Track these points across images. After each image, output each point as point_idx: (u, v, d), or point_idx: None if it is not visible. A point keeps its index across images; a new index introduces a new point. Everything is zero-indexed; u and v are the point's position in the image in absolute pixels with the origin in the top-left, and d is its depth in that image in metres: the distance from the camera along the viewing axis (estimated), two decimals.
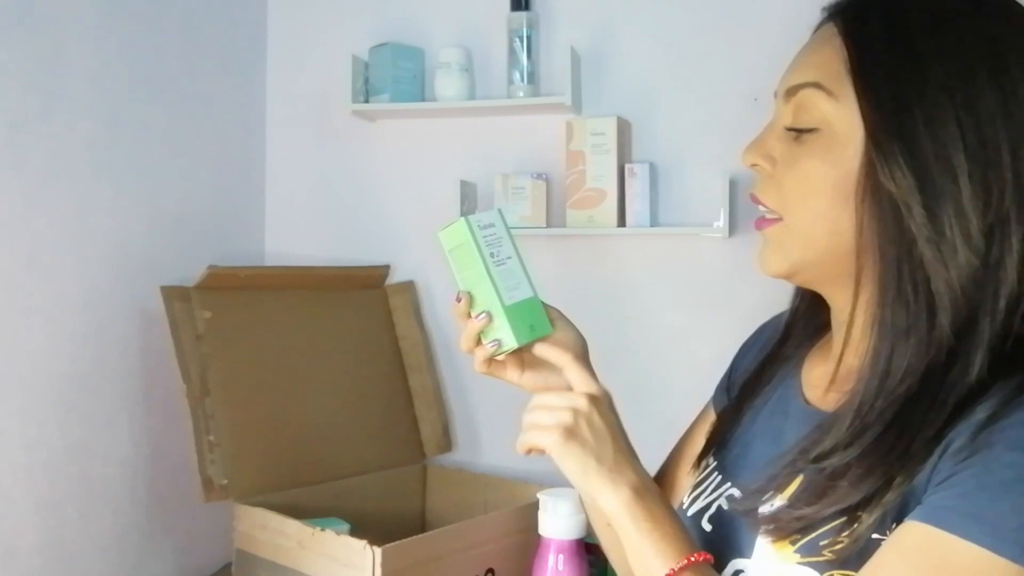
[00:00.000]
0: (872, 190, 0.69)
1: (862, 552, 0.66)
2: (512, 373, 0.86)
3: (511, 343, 0.82)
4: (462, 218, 0.84)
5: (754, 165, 0.77)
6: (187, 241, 1.66)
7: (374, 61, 1.77)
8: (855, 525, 0.67)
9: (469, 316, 0.84)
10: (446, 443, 1.81)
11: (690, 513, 0.85)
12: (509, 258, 0.84)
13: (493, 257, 0.83)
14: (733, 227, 1.58)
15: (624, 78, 1.71)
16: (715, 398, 0.98)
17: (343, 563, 1.27)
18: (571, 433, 0.77)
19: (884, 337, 0.69)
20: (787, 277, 0.79)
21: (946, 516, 0.62)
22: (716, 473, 0.86)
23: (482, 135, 1.79)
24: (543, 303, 0.86)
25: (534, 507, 0.91)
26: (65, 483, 1.40)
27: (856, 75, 0.71)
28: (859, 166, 0.70)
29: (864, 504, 0.67)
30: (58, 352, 1.39)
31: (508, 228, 0.86)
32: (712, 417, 0.94)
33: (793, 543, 0.71)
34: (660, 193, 1.67)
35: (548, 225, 1.70)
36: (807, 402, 0.81)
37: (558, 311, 0.88)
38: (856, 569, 0.67)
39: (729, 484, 0.83)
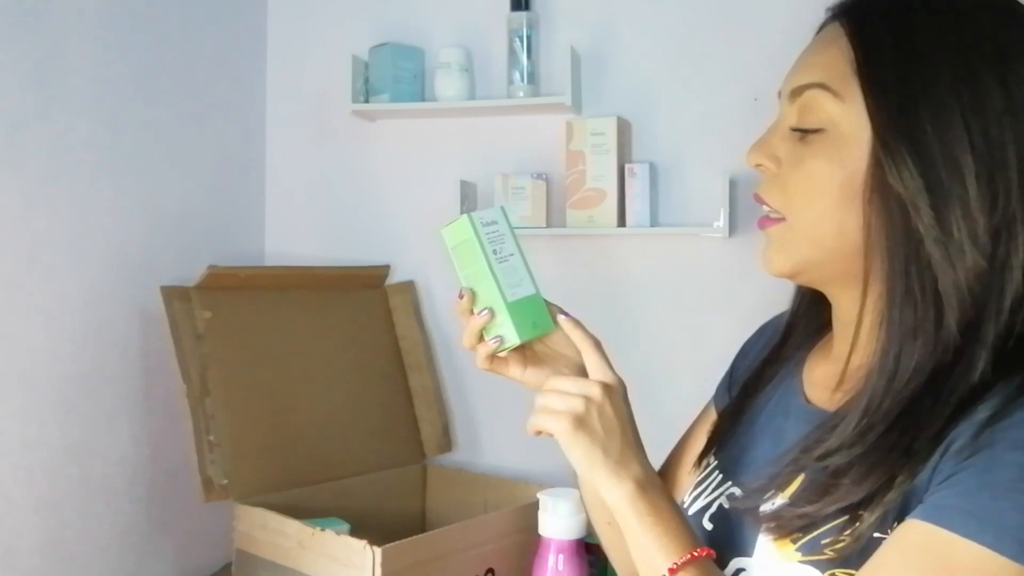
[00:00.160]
0: (879, 191, 0.69)
1: (863, 550, 0.67)
2: (514, 369, 0.86)
3: (513, 339, 0.82)
4: (465, 215, 0.84)
5: (758, 165, 0.77)
6: (187, 241, 1.66)
7: (374, 61, 1.77)
8: (857, 524, 0.67)
9: (471, 313, 0.84)
10: (446, 443, 1.81)
11: (691, 512, 0.85)
12: (512, 255, 0.85)
13: (496, 254, 0.84)
14: (733, 227, 1.58)
15: (624, 78, 1.71)
16: (716, 398, 0.98)
17: (343, 563, 1.27)
18: (581, 422, 0.77)
19: (892, 337, 0.69)
20: (791, 277, 0.79)
21: (947, 515, 0.62)
22: (717, 472, 0.86)
23: (482, 135, 1.79)
24: (546, 300, 0.86)
25: (534, 507, 0.91)
26: (65, 483, 1.40)
27: (863, 76, 0.71)
28: (866, 167, 0.70)
29: (866, 503, 0.67)
30: (58, 352, 1.39)
31: (511, 225, 0.86)
32: (713, 417, 0.94)
33: (795, 541, 0.71)
34: (660, 193, 1.67)
35: (548, 225, 1.70)
36: (808, 402, 0.81)
37: (560, 308, 0.88)
38: (857, 567, 0.67)
39: (730, 483, 0.83)
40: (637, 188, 1.63)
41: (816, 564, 0.70)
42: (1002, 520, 0.61)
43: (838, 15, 0.75)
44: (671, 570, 0.73)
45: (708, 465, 0.89)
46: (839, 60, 0.72)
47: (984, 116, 0.67)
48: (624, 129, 1.67)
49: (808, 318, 0.87)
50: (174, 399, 1.49)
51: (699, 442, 0.93)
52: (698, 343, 1.65)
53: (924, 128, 0.68)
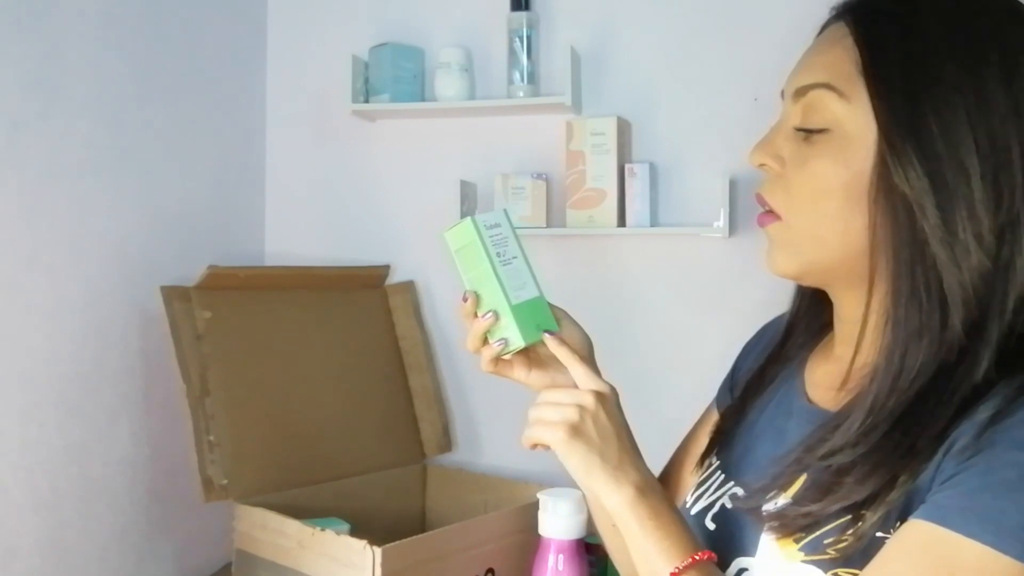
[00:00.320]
0: (885, 191, 0.69)
1: (866, 550, 0.67)
2: (519, 372, 0.86)
3: (518, 342, 0.82)
4: (468, 218, 0.85)
5: (762, 165, 0.77)
6: (187, 241, 1.66)
7: (374, 61, 1.77)
8: (859, 523, 0.67)
9: (476, 316, 0.84)
10: (446, 443, 1.81)
11: (693, 512, 0.85)
12: (515, 258, 0.85)
13: (499, 257, 0.84)
14: (733, 227, 1.58)
15: (624, 78, 1.71)
16: (718, 398, 0.98)
17: (343, 563, 1.27)
18: (576, 431, 0.77)
19: (898, 337, 0.70)
20: (796, 277, 0.79)
21: (950, 514, 0.63)
22: (719, 472, 0.86)
23: (482, 135, 1.79)
24: (549, 303, 0.86)
25: (534, 507, 0.91)
26: (65, 483, 1.40)
27: (869, 76, 0.70)
28: (871, 167, 0.70)
29: (869, 502, 0.67)
30: (58, 352, 1.39)
31: (514, 228, 0.87)
32: (715, 417, 0.94)
33: (797, 541, 0.72)
34: (660, 193, 1.67)
35: (548, 225, 1.70)
36: (810, 402, 0.81)
37: (563, 311, 0.88)
38: (860, 567, 0.67)
39: (732, 483, 0.83)
40: (637, 188, 1.63)
41: (819, 564, 0.70)
42: (1004, 519, 0.61)
43: (842, 14, 0.75)
44: (673, 574, 0.73)
45: (710, 465, 0.89)
46: (844, 60, 0.72)
47: (989, 117, 0.67)
48: (624, 129, 1.67)
49: (809, 318, 0.87)
50: (174, 399, 1.49)
51: (701, 443, 0.93)
52: (698, 343, 1.65)
53: (930, 128, 0.68)
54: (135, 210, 1.55)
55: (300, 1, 1.90)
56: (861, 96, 0.71)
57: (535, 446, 0.80)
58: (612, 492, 0.77)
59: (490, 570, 1.40)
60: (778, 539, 0.73)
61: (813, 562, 0.70)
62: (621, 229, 1.64)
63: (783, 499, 0.74)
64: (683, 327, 1.68)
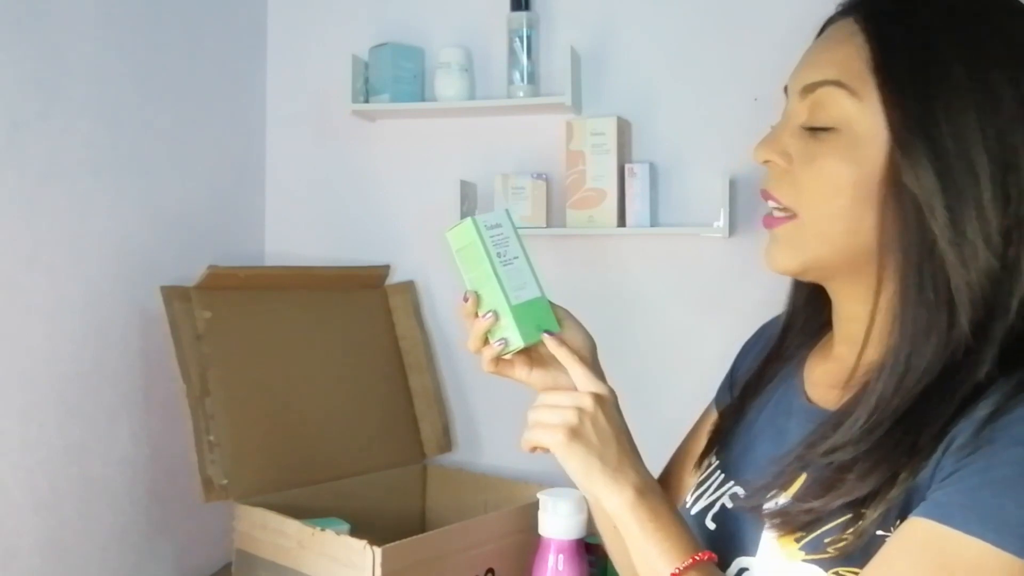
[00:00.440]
0: (895, 190, 0.70)
1: (866, 548, 0.67)
2: (520, 371, 0.86)
3: (517, 342, 0.82)
4: (469, 218, 0.85)
5: (767, 161, 0.77)
6: (187, 241, 1.66)
7: (374, 61, 1.77)
8: (860, 521, 0.68)
9: (476, 316, 0.84)
10: (446, 443, 1.81)
11: (693, 512, 0.85)
12: (516, 258, 0.85)
13: (500, 257, 0.84)
14: (733, 227, 1.58)
15: (624, 78, 1.71)
16: (718, 398, 0.98)
17: (343, 563, 1.27)
18: (575, 433, 0.77)
19: (905, 336, 0.70)
20: (797, 274, 0.79)
21: (950, 512, 0.63)
22: (718, 472, 0.87)
23: (482, 135, 1.79)
24: (551, 303, 0.86)
25: (534, 507, 0.91)
26: (65, 483, 1.40)
27: (881, 75, 0.70)
28: (881, 166, 0.70)
29: (870, 499, 0.67)
30: (58, 352, 1.39)
31: (516, 228, 0.87)
32: (715, 417, 0.95)
33: (798, 540, 0.72)
34: (660, 193, 1.67)
35: (548, 225, 1.70)
36: (809, 401, 0.81)
37: (566, 311, 0.88)
38: (861, 566, 0.67)
39: (732, 483, 0.83)
40: (637, 188, 1.63)
41: (819, 563, 0.70)
42: (1004, 516, 0.61)
43: (849, 11, 0.75)
44: (673, 575, 0.73)
45: (709, 465, 0.89)
46: (854, 58, 0.72)
47: (997, 117, 0.68)
48: (624, 129, 1.67)
49: (807, 318, 0.87)
50: (174, 399, 1.49)
51: (701, 443, 0.93)
52: (698, 343, 1.65)
53: (940, 128, 0.68)
54: (135, 210, 1.54)
55: (300, 1, 1.90)
56: (872, 94, 0.71)
57: (534, 449, 0.81)
58: (611, 494, 0.77)
59: (490, 570, 1.40)
60: (780, 537, 0.73)
61: (814, 561, 0.70)
62: (621, 229, 1.64)
63: (784, 498, 0.74)
64: (683, 327, 1.68)
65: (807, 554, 0.71)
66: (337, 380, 1.68)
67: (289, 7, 1.90)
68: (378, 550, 1.23)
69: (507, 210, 0.88)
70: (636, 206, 1.63)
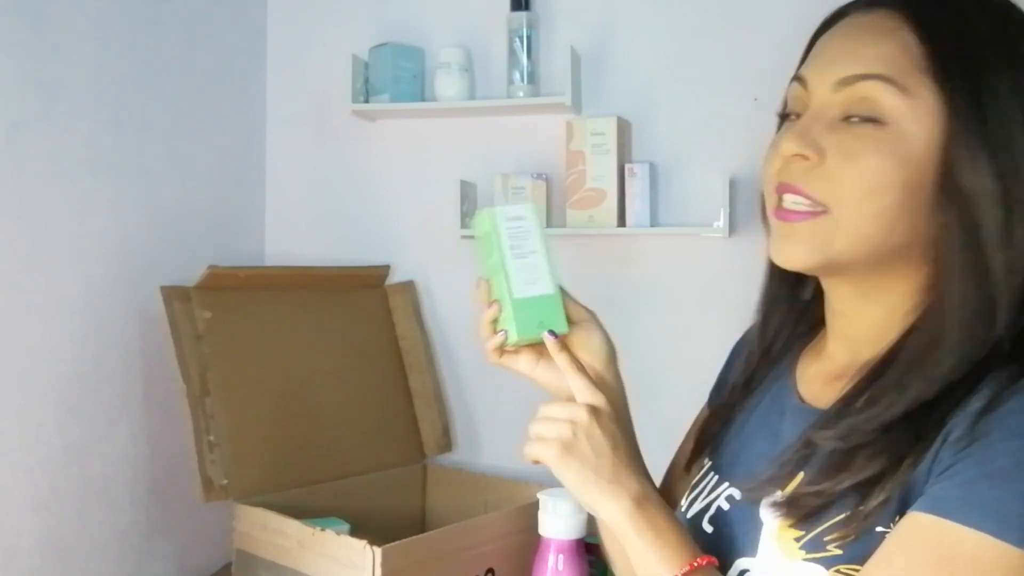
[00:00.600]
0: (946, 191, 0.69)
1: (867, 545, 0.67)
2: (525, 365, 0.85)
3: (513, 336, 0.82)
4: (490, 208, 0.85)
5: (799, 155, 0.73)
6: (187, 241, 1.66)
7: (374, 61, 1.77)
8: (862, 506, 0.67)
9: (487, 304, 0.84)
10: (446, 443, 1.81)
11: (689, 515, 0.85)
12: (533, 252, 0.84)
13: (514, 249, 0.84)
14: (733, 227, 1.58)
15: (624, 78, 1.71)
16: (711, 401, 0.98)
17: (343, 563, 1.27)
18: (569, 448, 0.77)
19: (944, 336, 0.69)
20: (812, 270, 0.76)
21: (948, 505, 0.63)
22: (712, 474, 0.86)
23: (482, 135, 1.79)
24: (573, 302, 0.86)
25: (534, 507, 0.91)
26: (65, 483, 1.40)
27: (940, 74, 0.69)
28: (932, 166, 0.69)
29: (875, 481, 0.67)
30: (58, 352, 1.39)
31: (540, 225, 0.86)
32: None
33: (798, 540, 0.72)
34: (660, 193, 1.67)
35: (548, 225, 1.70)
36: (803, 401, 0.81)
37: (591, 314, 0.87)
38: (862, 563, 0.67)
39: (727, 484, 0.83)
40: (637, 188, 1.63)
41: (821, 561, 0.70)
42: (1002, 507, 0.61)
43: (889, 5, 0.73)
44: None
45: (702, 468, 0.89)
46: (901, 54, 0.70)
47: None
48: (624, 129, 1.67)
49: (796, 315, 0.87)
50: (174, 399, 1.49)
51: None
52: (698, 343, 1.65)
53: (994, 131, 0.68)
54: (135, 210, 1.55)
55: (300, 1, 1.90)
56: (922, 92, 0.69)
57: (537, 462, 0.80)
58: (607, 507, 0.77)
59: (490, 570, 1.40)
60: (780, 532, 0.73)
61: (815, 560, 0.70)
62: (621, 229, 1.64)
63: (771, 499, 0.74)
64: (683, 327, 1.68)
65: (808, 553, 0.71)
66: (337, 380, 1.68)
67: (289, 7, 1.90)
68: (378, 550, 1.23)
69: (534, 206, 0.88)
70: (636, 206, 1.63)
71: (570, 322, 0.85)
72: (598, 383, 0.82)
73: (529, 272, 0.84)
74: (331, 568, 1.29)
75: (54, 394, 1.38)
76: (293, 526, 1.35)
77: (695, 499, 0.86)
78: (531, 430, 0.81)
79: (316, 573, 1.32)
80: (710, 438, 0.90)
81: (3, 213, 1.30)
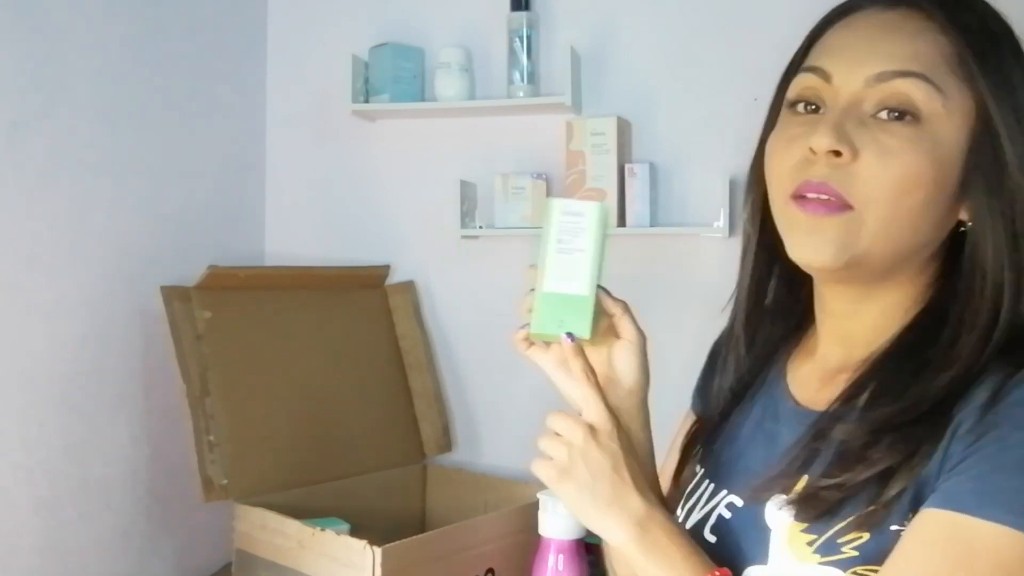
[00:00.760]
0: (974, 190, 0.70)
1: (882, 544, 0.66)
2: (548, 362, 0.82)
3: (531, 328, 0.80)
4: (551, 199, 0.83)
5: (834, 152, 0.70)
6: (187, 241, 1.66)
7: (374, 61, 1.77)
8: (880, 497, 0.67)
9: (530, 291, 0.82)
10: (446, 443, 1.81)
11: (689, 526, 0.83)
12: (580, 251, 0.82)
13: (560, 243, 0.82)
14: (733, 227, 1.58)
15: (624, 78, 1.71)
16: (694, 407, 0.97)
17: (343, 563, 1.27)
18: (565, 472, 0.75)
19: (963, 334, 0.70)
20: (838, 269, 0.73)
21: (964, 499, 0.63)
22: (707, 482, 0.84)
23: (482, 135, 1.79)
24: (627, 318, 0.83)
25: (534, 507, 0.91)
26: (65, 483, 1.40)
27: (969, 75, 0.70)
28: (962, 165, 0.70)
29: (891, 473, 0.67)
30: (58, 352, 1.39)
31: (601, 227, 0.83)
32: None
33: (810, 544, 0.70)
34: (660, 193, 1.67)
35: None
36: (797, 403, 0.80)
37: (639, 336, 0.84)
38: (879, 563, 0.66)
39: (725, 492, 0.81)
40: (637, 188, 1.63)
41: (837, 564, 0.69)
42: (1019, 498, 0.61)
43: (911, 4, 0.73)
44: None
45: (694, 475, 0.87)
46: (933, 53, 0.70)
47: None
48: (624, 129, 1.67)
49: (778, 319, 0.86)
50: (174, 399, 1.49)
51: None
52: (697, 344, 1.64)
53: (1022, 125, 0.70)
54: (135, 210, 1.55)
55: (300, 1, 1.90)
56: (955, 92, 0.70)
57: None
58: (608, 531, 0.75)
59: (490, 570, 1.40)
60: (802, 530, 0.71)
61: (831, 563, 0.69)
62: (621, 229, 1.64)
63: (782, 500, 0.73)
64: (683, 327, 1.68)
65: (823, 556, 0.69)
66: (337, 380, 1.68)
67: (289, 7, 1.90)
68: (378, 550, 1.23)
69: (602, 206, 0.84)
70: (636, 206, 1.63)
71: (611, 336, 0.82)
72: (613, 402, 0.79)
73: (568, 269, 0.81)
74: (331, 568, 1.29)
75: (54, 394, 1.38)
76: (293, 526, 1.35)
77: (692, 509, 0.84)
78: (538, 444, 0.79)
79: (316, 573, 1.32)
80: (700, 445, 0.89)
81: (3, 213, 1.30)
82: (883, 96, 0.70)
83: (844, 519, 0.69)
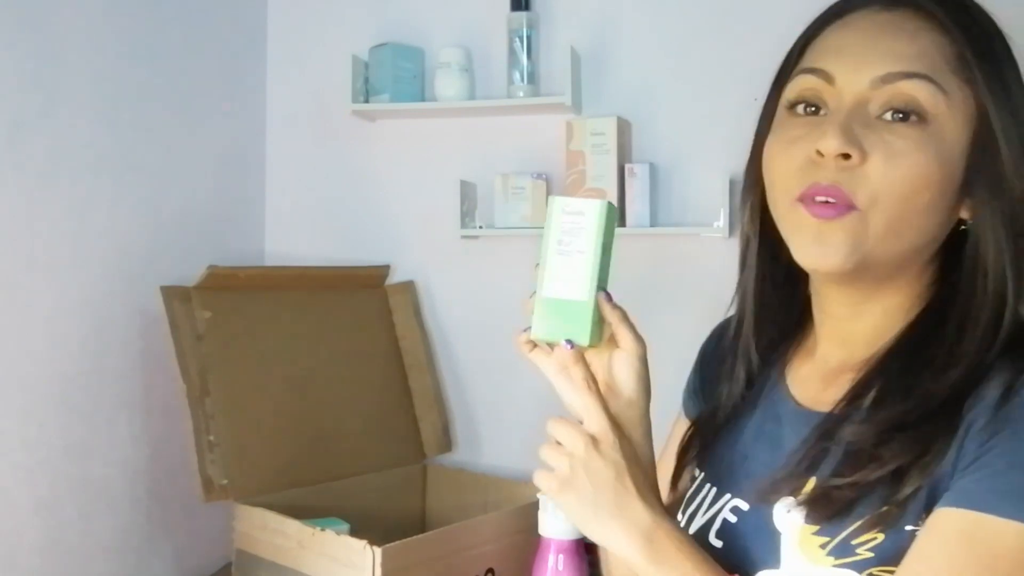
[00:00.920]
0: (975, 190, 0.71)
1: (897, 545, 0.66)
2: (551, 366, 0.79)
3: (532, 332, 0.78)
4: (553, 196, 0.80)
5: (844, 155, 0.69)
6: (187, 241, 1.66)
7: (374, 61, 1.77)
8: (896, 495, 0.66)
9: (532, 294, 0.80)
10: (446, 443, 1.81)
11: (692, 531, 0.82)
12: (580, 253, 0.77)
13: (560, 244, 0.77)
14: (733, 227, 1.58)
15: (624, 78, 1.71)
16: (687, 410, 0.96)
17: (343, 563, 1.27)
18: (566, 483, 0.74)
19: (968, 335, 0.70)
20: (847, 272, 0.72)
21: (981, 498, 0.63)
22: (709, 486, 0.83)
23: (482, 135, 1.79)
24: (627, 327, 0.79)
25: (534, 507, 0.91)
26: (65, 483, 1.40)
27: (970, 76, 0.70)
28: (964, 165, 0.70)
29: (904, 471, 0.67)
30: (58, 352, 1.39)
31: (604, 226, 0.77)
32: (687, 426, 0.92)
33: (823, 547, 0.70)
34: (660, 193, 1.67)
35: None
36: (799, 405, 0.80)
37: (640, 346, 0.81)
38: (895, 564, 0.66)
39: (729, 496, 0.80)
40: (637, 188, 1.63)
41: (852, 566, 0.68)
42: None
43: (910, 5, 0.73)
44: None
45: (694, 480, 0.86)
46: (935, 54, 0.71)
47: None
48: (624, 129, 1.67)
49: (782, 316, 0.85)
50: (174, 399, 1.49)
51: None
52: (698, 344, 1.65)
53: (1021, 124, 0.71)
54: (135, 210, 1.54)
55: (300, 1, 1.90)
56: (956, 91, 0.70)
57: None
58: (615, 542, 0.73)
59: (490, 570, 1.40)
60: (813, 532, 0.71)
61: (845, 565, 0.68)
62: (621, 229, 1.64)
63: (791, 502, 0.72)
64: (682, 327, 1.67)
65: (837, 558, 0.69)
66: (337, 380, 1.68)
67: (289, 7, 1.90)
68: (378, 550, 1.23)
69: (608, 203, 0.78)
70: (636, 206, 1.63)
71: (613, 343, 0.80)
72: (615, 410, 0.78)
73: (567, 271, 0.77)
74: (331, 568, 1.29)
75: (54, 394, 1.38)
76: (293, 526, 1.35)
77: (694, 514, 0.83)
78: (540, 453, 0.77)
79: (316, 573, 1.32)
80: (698, 449, 0.88)
81: (3, 213, 1.30)
82: (889, 97, 0.70)
83: (857, 520, 0.68)
